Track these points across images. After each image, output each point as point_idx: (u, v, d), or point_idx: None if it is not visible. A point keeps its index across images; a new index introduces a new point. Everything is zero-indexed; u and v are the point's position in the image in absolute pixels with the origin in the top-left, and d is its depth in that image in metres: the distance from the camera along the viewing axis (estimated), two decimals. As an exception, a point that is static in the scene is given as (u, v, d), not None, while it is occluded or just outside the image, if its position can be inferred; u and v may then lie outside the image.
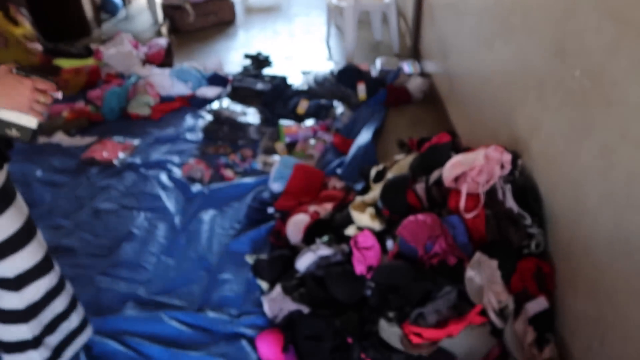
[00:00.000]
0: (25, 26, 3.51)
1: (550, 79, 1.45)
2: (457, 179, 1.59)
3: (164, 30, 4.70)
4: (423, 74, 3.31)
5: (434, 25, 3.19)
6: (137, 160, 2.72)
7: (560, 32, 1.38)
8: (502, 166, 1.55)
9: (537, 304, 1.30)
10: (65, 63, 3.50)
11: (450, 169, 1.60)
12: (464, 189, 1.55)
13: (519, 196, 1.52)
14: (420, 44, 3.60)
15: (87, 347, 1.60)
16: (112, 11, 5.19)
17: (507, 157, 1.57)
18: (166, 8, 4.70)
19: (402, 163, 1.87)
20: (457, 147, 1.89)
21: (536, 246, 1.45)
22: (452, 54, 2.67)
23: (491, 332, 1.29)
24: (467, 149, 1.81)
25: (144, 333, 1.63)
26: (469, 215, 1.52)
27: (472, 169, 1.56)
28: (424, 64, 3.42)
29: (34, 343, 1.35)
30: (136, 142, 2.90)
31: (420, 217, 1.52)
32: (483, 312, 1.30)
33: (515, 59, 1.72)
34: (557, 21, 1.40)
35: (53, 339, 1.42)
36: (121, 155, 2.75)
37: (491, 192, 1.54)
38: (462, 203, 1.54)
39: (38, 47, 3.48)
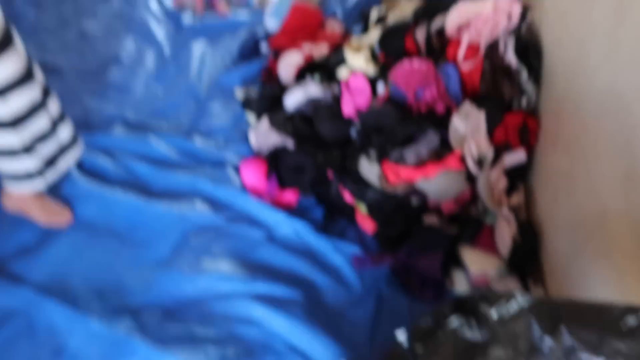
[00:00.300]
0: None
1: None
2: (460, 28, 1.53)
3: None
4: None
5: None
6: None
7: None
8: (510, 18, 1.47)
9: (516, 156, 1.34)
10: None
11: (455, 17, 1.52)
12: (466, 38, 1.49)
13: (520, 51, 1.48)
14: None
15: (79, 164, 1.65)
16: None
17: (517, 9, 1.48)
18: None
19: (405, 7, 1.77)
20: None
21: (527, 102, 1.45)
22: None
23: (466, 177, 1.35)
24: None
25: (132, 152, 1.67)
26: (465, 65, 1.49)
27: (477, 18, 1.48)
28: None
29: (25, 151, 1.36)
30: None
31: (415, 62, 1.48)
32: (462, 160, 1.34)
33: None
34: None
35: (44, 150, 1.43)
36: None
37: (493, 45, 1.49)
38: (462, 52, 1.49)
39: None
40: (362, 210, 1.40)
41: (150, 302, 1.19)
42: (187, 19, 2.33)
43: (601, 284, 1.09)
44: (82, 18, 2.35)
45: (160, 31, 2.28)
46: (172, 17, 2.36)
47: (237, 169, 1.60)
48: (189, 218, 1.43)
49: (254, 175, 1.52)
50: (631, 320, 0.58)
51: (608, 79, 1.14)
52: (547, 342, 0.60)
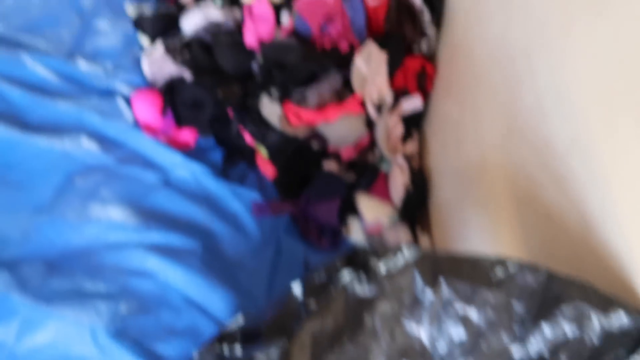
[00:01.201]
0: None
1: None
2: (368, -41, 1.45)
3: None
4: None
5: None
6: None
7: None
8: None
9: (413, 102, 1.37)
10: None
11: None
12: (373, -29, 1.43)
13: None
14: None
15: None
16: None
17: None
18: None
19: None
20: None
21: (427, 46, 1.46)
22: None
23: (365, 122, 1.37)
24: None
25: (2, 74, 1.46)
26: (371, 1, 1.44)
27: (387, -50, 1.41)
28: None
29: None
30: None
31: (322, -5, 1.41)
32: (362, 104, 1.35)
33: None
34: None
35: None
36: None
37: (399, -18, 1.45)
38: (368, -14, 1.43)
39: None
40: (263, 154, 1.38)
41: (30, 254, 1.09)
42: None
43: (479, 233, 1.20)
44: None
45: None
46: None
47: (128, 101, 1.47)
48: (73, 157, 1.31)
49: (147, 109, 1.41)
50: (499, 272, 0.62)
51: (499, 30, 1.16)
52: (428, 294, 0.63)
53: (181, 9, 1.70)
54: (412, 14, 1.45)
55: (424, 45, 1.46)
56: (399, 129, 1.37)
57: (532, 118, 1.01)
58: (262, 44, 1.44)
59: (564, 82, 0.89)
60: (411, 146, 1.39)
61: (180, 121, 1.43)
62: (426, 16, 1.43)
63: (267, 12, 1.49)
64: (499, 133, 1.15)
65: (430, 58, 1.48)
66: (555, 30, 0.92)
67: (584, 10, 0.81)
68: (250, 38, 1.47)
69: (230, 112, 1.40)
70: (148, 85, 1.51)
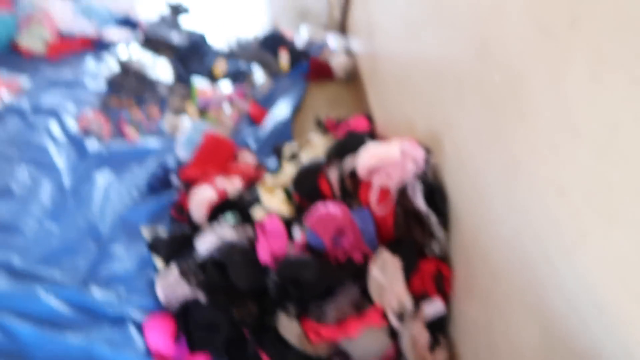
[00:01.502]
0: None
1: (470, 79, 1.45)
2: (371, 171, 1.57)
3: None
4: (348, 52, 3.25)
5: (364, 1, 3.12)
6: (24, 103, 2.40)
7: (485, 31, 1.36)
8: (416, 162, 1.54)
9: (434, 308, 1.33)
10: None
11: (365, 160, 1.57)
12: (377, 182, 1.53)
13: (428, 195, 1.53)
14: (349, 18, 3.52)
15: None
16: None
17: (420, 153, 1.56)
18: None
19: (317, 144, 1.81)
20: (374, 135, 1.87)
21: (439, 248, 1.48)
22: (378, 34, 2.62)
23: (388, 333, 1.31)
24: (383, 138, 1.79)
25: (14, 310, 1.45)
26: (379, 210, 1.51)
27: (386, 162, 1.54)
28: (351, 40, 3.36)
29: None
30: (24, 81, 2.55)
31: (330, 208, 1.48)
32: (383, 314, 1.31)
33: (441, 52, 1.70)
34: (482, 19, 1.38)
35: None
36: (4, 94, 2.40)
37: (403, 189, 1.54)
38: (374, 197, 1.52)
39: None
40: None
41: None
42: (92, 145, 2.21)
43: None
44: (-31, 143, 2.15)
45: (60, 159, 2.13)
46: (76, 143, 2.23)
47: (140, 328, 1.43)
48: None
49: (160, 336, 1.36)
50: None
51: (512, 233, 1.18)
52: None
53: (195, 228, 1.78)
54: (419, 219, 1.50)
55: (435, 248, 1.48)
56: (424, 337, 1.30)
57: (568, 324, 0.97)
58: (277, 263, 1.46)
59: (593, 285, 0.87)
60: (441, 355, 1.30)
61: (193, 346, 1.36)
62: (433, 219, 1.48)
63: (279, 228, 1.55)
64: (534, 340, 1.09)
65: (444, 259, 1.49)
66: (572, 236, 0.93)
67: (597, 218, 0.84)
68: (264, 254, 1.50)
69: (247, 334, 1.35)
70: (162, 309, 1.49)
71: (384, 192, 1.52)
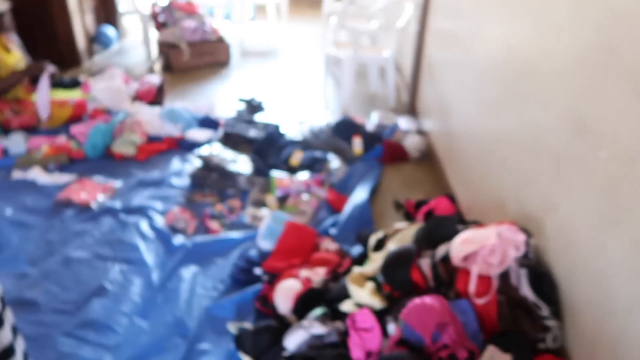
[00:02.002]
0: (17, 54, 3.38)
1: (568, 157, 1.36)
2: (466, 258, 1.47)
3: (157, 67, 4.62)
4: (420, 132, 3.25)
5: (433, 82, 3.16)
6: (117, 204, 2.55)
7: (581, 107, 1.29)
8: (517, 247, 1.43)
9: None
10: (50, 94, 3.36)
11: (460, 247, 1.48)
12: (475, 270, 1.42)
13: (533, 281, 1.40)
14: (418, 100, 3.56)
15: None
16: (105, 44, 5.11)
17: (521, 238, 1.45)
18: (162, 45, 4.63)
19: (404, 233, 1.74)
20: (463, 218, 1.78)
21: (553, 340, 1.32)
22: (453, 114, 2.61)
23: None
24: (475, 223, 1.70)
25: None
26: (480, 301, 1.39)
27: (484, 248, 1.43)
28: (421, 121, 3.37)
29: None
30: (118, 183, 2.74)
31: (427, 300, 1.38)
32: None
33: (527, 130, 1.64)
34: (576, 95, 1.32)
35: None
36: (100, 197, 2.58)
37: (504, 276, 1.42)
38: (473, 286, 1.41)
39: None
40: None
41: None
42: (178, 239, 2.28)
43: None
44: (69, 243, 2.28)
45: (149, 255, 2.20)
46: (163, 238, 2.31)
47: None
48: None
49: None
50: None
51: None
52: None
53: (281, 320, 1.73)
54: (526, 308, 1.36)
55: (549, 340, 1.32)
56: None
57: None
58: (371, 355, 1.36)
59: None
60: None
61: None
62: (544, 310, 1.34)
63: (371, 321, 1.46)
64: None
65: (560, 353, 1.32)
66: None
67: None
68: (357, 351, 1.40)
69: None
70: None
71: (484, 281, 1.40)
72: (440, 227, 1.65)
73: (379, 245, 1.79)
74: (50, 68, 3.18)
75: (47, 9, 4.38)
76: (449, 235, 1.59)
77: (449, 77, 2.73)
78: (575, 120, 1.32)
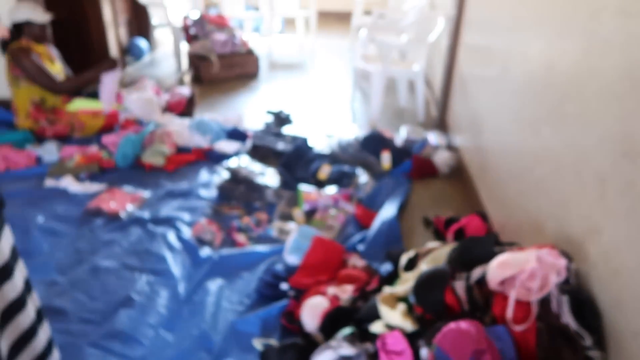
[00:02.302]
0: (59, 65, 3.48)
1: (615, 179, 1.30)
2: (504, 282, 1.41)
3: (187, 78, 4.68)
4: (450, 147, 3.19)
5: (464, 97, 3.10)
6: (146, 214, 2.56)
7: (629, 128, 1.23)
8: (558, 273, 1.36)
9: None
10: (83, 104, 3.43)
11: (497, 270, 1.42)
12: (513, 295, 1.36)
13: (575, 309, 1.33)
14: (448, 115, 3.51)
15: None
16: (138, 55, 5.21)
17: (562, 262, 1.39)
18: (192, 57, 4.70)
19: (437, 253, 1.69)
20: (499, 239, 1.72)
21: (597, 372, 1.25)
22: (487, 130, 2.55)
23: None
24: (512, 245, 1.64)
25: None
26: (518, 328, 1.32)
27: (523, 272, 1.37)
28: (451, 136, 3.31)
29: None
30: (146, 194, 2.76)
31: (463, 325, 1.32)
32: None
33: (569, 150, 1.58)
34: (624, 115, 1.26)
35: None
36: (129, 207, 2.59)
37: (544, 302, 1.35)
38: (510, 312, 1.35)
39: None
40: None
41: None
42: (204, 252, 2.27)
43: None
44: (98, 252, 2.29)
45: (176, 267, 2.19)
46: (190, 250, 2.30)
47: None
48: None
49: None
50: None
51: None
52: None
53: (307, 337, 1.69)
54: (568, 337, 1.29)
55: (592, 374, 1.25)
56: None
57: None
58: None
59: None
60: None
61: None
62: (587, 339, 1.27)
63: (403, 344, 1.41)
64: None
65: (606, 388, 1.25)
66: None
67: None
68: (388, 375, 1.35)
69: None
70: None
71: (522, 307, 1.34)
72: (475, 248, 1.59)
73: (410, 264, 1.74)
74: (118, 67, 3.32)
75: (84, 22, 4.50)
76: (484, 257, 1.53)
77: (483, 92, 2.68)
78: (623, 141, 1.26)
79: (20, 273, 1.17)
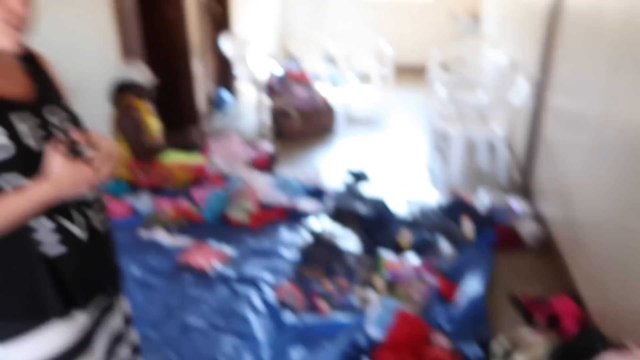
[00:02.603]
0: (156, 121, 3.74)
1: None
2: (614, 392, 1.33)
3: (268, 132, 4.88)
4: (536, 216, 3.08)
5: (551, 163, 3.00)
6: (231, 272, 2.66)
7: None
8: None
9: None
10: (174, 156, 3.66)
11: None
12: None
13: None
14: (533, 181, 3.40)
15: None
16: (222, 107, 5.52)
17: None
18: (273, 111, 4.91)
19: (536, 351, 1.62)
20: (603, 335, 1.63)
21: None
22: (579, 201, 2.42)
23: None
24: (619, 345, 1.54)
25: None
26: None
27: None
28: (537, 204, 3.20)
29: None
30: (231, 251, 2.86)
31: None
32: None
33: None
34: None
35: None
36: (216, 264, 2.70)
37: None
38: None
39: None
40: None
41: None
42: (287, 316, 2.31)
43: None
44: (187, 309, 2.39)
45: (260, 330, 2.24)
46: (273, 314, 2.35)
47: None
48: None
49: None
50: None
51: None
52: None
53: None
54: None
55: None
56: None
57: None
58: None
59: None
60: None
61: None
62: None
63: None
64: None
65: None
66: None
67: None
68: None
69: None
70: None
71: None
72: (578, 348, 1.51)
73: (507, 356, 1.68)
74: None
75: (174, 76, 4.84)
76: (589, 353, 1.45)
77: (573, 160, 2.56)
78: None
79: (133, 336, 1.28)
